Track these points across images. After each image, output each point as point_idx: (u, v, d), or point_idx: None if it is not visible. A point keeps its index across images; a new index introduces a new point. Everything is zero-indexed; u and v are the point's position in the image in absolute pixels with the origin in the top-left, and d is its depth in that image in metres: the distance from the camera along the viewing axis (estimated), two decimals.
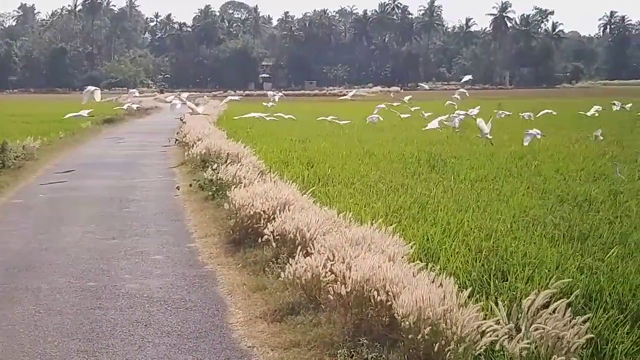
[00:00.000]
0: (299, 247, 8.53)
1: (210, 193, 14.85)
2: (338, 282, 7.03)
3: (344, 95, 63.91)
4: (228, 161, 16.48)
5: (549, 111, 34.10)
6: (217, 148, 19.38)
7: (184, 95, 39.92)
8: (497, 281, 7.97)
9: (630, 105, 32.17)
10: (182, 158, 22.61)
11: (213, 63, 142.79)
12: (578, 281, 7.66)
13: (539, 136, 23.48)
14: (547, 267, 8.36)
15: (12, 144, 21.05)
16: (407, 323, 6.13)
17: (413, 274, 7.03)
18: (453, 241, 9.71)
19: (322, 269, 7.44)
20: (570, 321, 5.79)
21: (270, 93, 39.94)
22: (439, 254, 9.18)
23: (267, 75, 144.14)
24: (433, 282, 6.69)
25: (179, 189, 16.64)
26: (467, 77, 54.12)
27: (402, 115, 32.13)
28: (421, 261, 8.52)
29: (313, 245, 8.37)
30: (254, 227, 10.71)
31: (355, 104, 52.30)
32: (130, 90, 52.74)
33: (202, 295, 8.74)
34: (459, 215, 11.47)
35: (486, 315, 6.35)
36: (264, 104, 38.90)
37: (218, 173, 14.99)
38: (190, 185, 16.47)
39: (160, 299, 8.55)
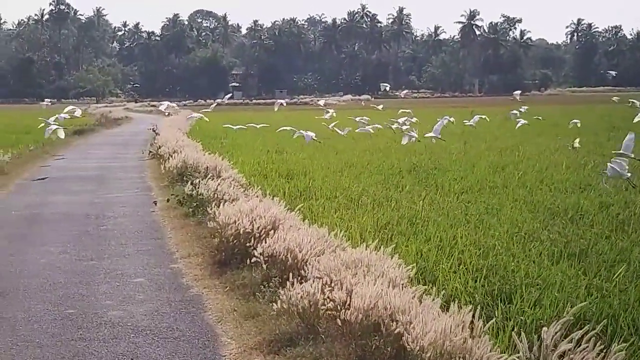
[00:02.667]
0: (292, 270, 8.10)
1: (190, 209, 14.32)
2: (340, 310, 6.59)
3: (313, 103, 64.03)
4: (207, 175, 15.96)
5: (483, 116, 35.65)
6: (193, 161, 18.87)
7: (167, 104, 39.81)
8: (502, 304, 7.60)
9: None
10: (157, 171, 22.02)
11: (182, 72, 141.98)
12: (591, 305, 7.29)
13: (413, 139, 23.91)
14: (553, 288, 8.01)
15: None
16: (425, 358, 5.69)
17: (419, 300, 6.61)
18: (449, 260, 9.35)
19: (320, 295, 6.99)
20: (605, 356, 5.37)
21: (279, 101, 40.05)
22: (436, 273, 8.82)
23: (237, 84, 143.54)
24: (447, 311, 6.27)
25: (156, 204, 16.08)
26: (384, 85, 55.95)
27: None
28: (418, 282, 8.16)
29: (306, 268, 7.94)
30: (240, 246, 10.23)
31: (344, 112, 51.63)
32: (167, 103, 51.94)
33: (190, 323, 8.21)
34: (451, 231, 11.14)
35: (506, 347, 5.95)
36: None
37: (198, 188, 14.47)
38: (168, 200, 15.92)
39: (145, 328, 8.01)
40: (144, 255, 11.60)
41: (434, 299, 6.63)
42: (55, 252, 11.91)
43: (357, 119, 32.79)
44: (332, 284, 7.14)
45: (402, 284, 7.30)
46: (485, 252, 9.79)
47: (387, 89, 77.19)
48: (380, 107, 43.80)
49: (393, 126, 30.37)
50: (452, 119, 32.20)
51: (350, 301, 6.61)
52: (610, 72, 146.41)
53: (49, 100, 38.42)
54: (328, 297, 6.93)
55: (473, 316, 6.13)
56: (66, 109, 34.85)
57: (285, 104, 38.63)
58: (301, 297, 7.07)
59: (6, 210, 16.17)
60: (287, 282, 7.70)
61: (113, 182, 21.17)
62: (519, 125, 33.20)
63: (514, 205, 13.55)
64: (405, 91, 46.79)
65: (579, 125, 32.14)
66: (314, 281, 7.25)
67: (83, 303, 9.00)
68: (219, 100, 48.12)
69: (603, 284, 8.18)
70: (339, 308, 6.68)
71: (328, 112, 38.22)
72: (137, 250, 11.98)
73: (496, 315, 7.21)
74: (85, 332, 7.93)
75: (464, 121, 34.26)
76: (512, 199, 14.25)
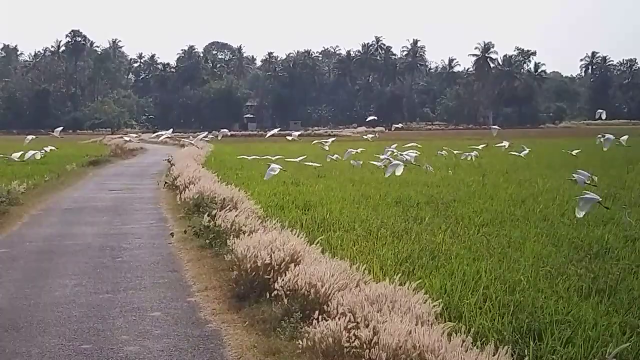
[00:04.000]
0: (314, 305, 7.86)
1: (207, 241, 14.09)
2: (366, 349, 6.33)
3: (327, 134, 64.28)
4: (224, 206, 15.77)
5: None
6: (210, 192, 18.71)
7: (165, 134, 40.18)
8: (532, 342, 7.33)
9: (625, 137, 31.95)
10: (173, 202, 21.85)
11: (197, 103, 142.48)
12: (629, 345, 7.00)
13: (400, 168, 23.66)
14: (585, 326, 7.73)
15: None
16: None
17: (448, 338, 6.35)
18: (474, 295, 9.09)
19: (345, 333, 6.73)
20: None
21: (295, 133, 40.29)
22: (461, 309, 8.57)
23: (252, 116, 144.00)
24: (475, 349, 6.01)
25: (173, 236, 15.86)
26: (371, 118, 55.89)
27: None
28: (442, 317, 7.90)
29: (330, 303, 7.69)
30: (259, 279, 10.00)
31: (341, 144, 51.44)
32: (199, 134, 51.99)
33: None
34: (474, 265, 10.89)
35: None
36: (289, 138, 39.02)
37: (216, 219, 14.26)
38: (185, 231, 15.70)
39: None
40: (160, 288, 11.37)
41: (464, 338, 6.36)
42: (71, 284, 11.70)
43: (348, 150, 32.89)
44: (357, 321, 6.89)
45: (429, 321, 7.04)
46: (511, 287, 9.53)
47: (400, 126, 77.53)
48: (369, 136, 43.99)
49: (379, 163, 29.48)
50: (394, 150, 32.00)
51: (376, 339, 6.36)
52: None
53: (32, 136, 40.45)
54: (353, 335, 6.66)
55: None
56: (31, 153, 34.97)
57: (298, 138, 38.56)
58: (325, 334, 6.82)
59: (21, 242, 15.99)
60: (310, 317, 7.47)
61: (129, 213, 20.98)
62: (524, 153, 33.02)
63: (537, 239, 13.31)
64: (398, 125, 47.28)
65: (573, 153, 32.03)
66: (338, 318, 6.99)
67: (98, 338, 8.76)
68: (224, 131, 48.47)
69: (638, 321, 7.89)
70: (364, 347, 6.42)
71: (327, 141, 38.42)
72: (153, 283, 11.75)
73: (528, 354, 6.95)
74: None
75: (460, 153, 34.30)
76: (534, 233, 14.02)
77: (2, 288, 11.50)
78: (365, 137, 45.23)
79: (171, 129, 54.79)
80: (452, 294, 9.12)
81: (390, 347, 6.19)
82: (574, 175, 16.62)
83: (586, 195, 14.37)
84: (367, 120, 59.60)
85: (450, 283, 9.70)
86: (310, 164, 27.44)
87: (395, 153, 29.19)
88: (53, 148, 36.52)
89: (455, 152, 35.61)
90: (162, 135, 51.08)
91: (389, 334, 6.30)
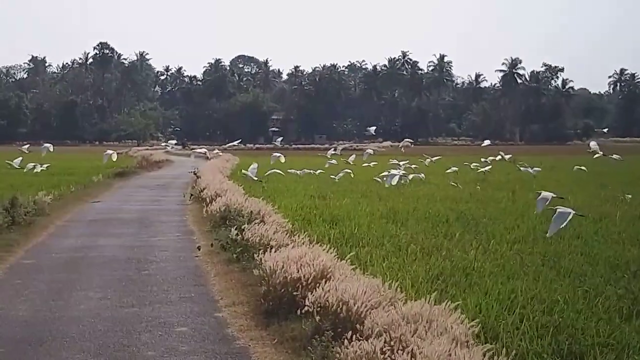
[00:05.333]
0: (345, 323, 7.60)
1: (234, 255, 13.86)
2: None
3: (353, 148, 64.37)
4: (251, 219, 15.54)
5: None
6: (237, 205, 18.52)
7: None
8: None
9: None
10: (199, 215, 21.70)
11: (223, 116, 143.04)
12: None
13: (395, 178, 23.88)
14: (629, 350, 7.42)
15: (22, 198, 20.15)
16: None
17: None
18: (510, 315, 8.79)
19: (380, 356, 6.44)
20: None
21: (331, 151, 40.68)
22: (497, 329, 8.26)
23: (277, 129, 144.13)
24: None
25: (199, 249, 15.65)
26: (372, 128, 56.93)
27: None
28: (478, 338, 7.61)
29: (363, 322, 7.42)
30: (288, 296, 9.74)
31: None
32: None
33: None
34: (509, 284, 10.57)
35: None
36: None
37: (243, 233, 14.03)
38: (212, 245, 15.49)
39: None
40: (187, 303, 11.14)
41: None
42: (95, 297, 11.50)
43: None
44: (392, 342, 6.61)
45: (468, 342, 6.75)
46: (548, 307, 9.22)
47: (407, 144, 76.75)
48: (370, 150, 44.35)
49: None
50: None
51: None
52: None
53: (27, 145, 41.29)
54: (389, 357, 6.37)
55: None
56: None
57: (339, 152, 38.79)
58: (359, 355, 6.53)
59: (46, 253, 15.86)
60: (342, 336, 7.20)
61: (154, 225, 20.84)
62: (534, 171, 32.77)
63: (572, 258, 12.97)
64: (405, 142, 47.64)
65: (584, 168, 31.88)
66: (373, 338, 6.71)
67: (124, 354, 8.53)
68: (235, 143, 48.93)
69: None
70: None
71: (335, 150, 38.73)
72: (179, 297, 11.53)
73: None
74: None
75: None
76: (569, 251, 13.67)
77: (27, 300, 11.31)
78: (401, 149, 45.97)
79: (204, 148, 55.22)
80: (488, 314, 8.83)
81: None
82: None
83: (560, 210, 14.21)
84: (366, 131, 60.79)
85: (485, 302, 9.41)
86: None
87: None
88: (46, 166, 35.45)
89: (472, 165, 35.34)
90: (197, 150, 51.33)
91: (425, 356, 6.00)
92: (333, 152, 37.06)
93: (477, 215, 19.05)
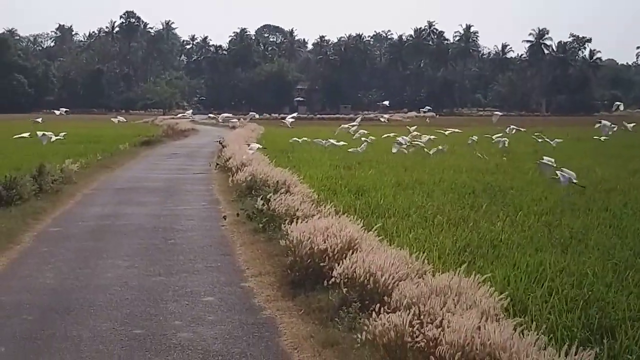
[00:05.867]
0: (373, 295, 7.54)
1: (260, 225, 13.84)
2: (431, 346, 5.97)
3: (377, 118, 64.37)
4: (277, 189, 15.50)
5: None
6: (263, 175, 18.48)
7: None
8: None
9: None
10: (225, 184, 21.69)
11: (248, 86, 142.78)
12: None
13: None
14: None
15: (49, 166, 20.25)
16: None
17: (520, 335, 5.97)
18: (539, 288, 8.70)
19: (409, 328, 6.38)
20: None
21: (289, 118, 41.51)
22: (526, 303, 8.18)
23: (302, 99, 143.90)
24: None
25: (225, 219, 15.65)
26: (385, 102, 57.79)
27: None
28: (507, 311, 7.53)
29: (391, 294, 7.35)
30: (315, 266, 9.70)
31: (390, 128, 51.04)
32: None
33: (265, 349, 7.66)
34: (537, 256, 10.46)
35: None
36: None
37: (269, 203, 14.00)
38: (238, 214, 15.49)
39: (217, 353, 7.50)
40: (213, 272, 11.15)
41: (537, 336, 5.97)
42: (123, 265, 11.54)
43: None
44: (421, 315, 6.54)
45: (497, 316, 6.68)
46: (577, 280, 9.11)
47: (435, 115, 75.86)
48: (383, 119, 44.54)
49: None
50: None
51: (442, 335, 6.00)
52: None
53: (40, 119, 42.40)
54: (417, 330, 6.31)
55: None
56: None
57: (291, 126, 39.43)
58: (387, 328, 6.47)
59: (73, 221, 15.93)
60: (369, 308, 7.15)
61: (180, 194, 20.87)
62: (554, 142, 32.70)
63: (600, 230, 12.82)
64: (427, 112, 48.53)
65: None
66: (401, 311, 6.65)
67: (151, 323, 8.54)
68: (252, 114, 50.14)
69: None
70: (430, 343, 6.07)
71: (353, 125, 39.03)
72: (206, 267, 11.53)
73: (601, 353, 6.56)
74: (154, 355, 7.46)
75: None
76: (597, 223, 13.51)
77: (54, 268, 11.37)
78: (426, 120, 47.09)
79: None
80: (516, 287, 8.74)
81: (458, 344, 5.83)
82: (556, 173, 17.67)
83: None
84: (380, 104, 61.72)
85: (514, 274, 9.33)
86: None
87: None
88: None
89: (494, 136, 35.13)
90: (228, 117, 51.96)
91: (454, 330, 5.93)
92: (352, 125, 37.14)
93: (503, 187, 18.88)
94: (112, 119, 48.63)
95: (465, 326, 5.95)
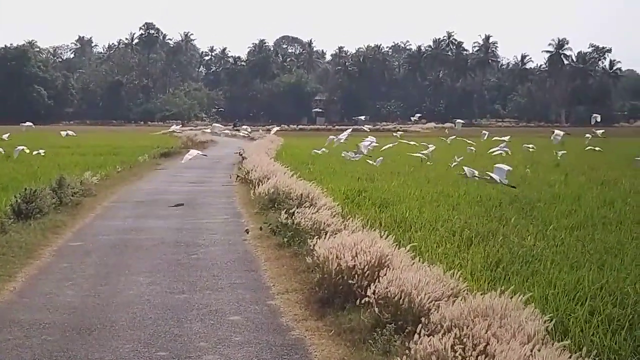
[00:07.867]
0: (407, 316, 7.19)
1: (285, 239, 13.48)
2: None
3: (395, 129, 64.26)
4: (301, 202, 15.15)
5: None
6: (285, 187, 18.15)
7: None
8: None
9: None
10: (246, 196, 21.37)
11: (267, 97, 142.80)
12: None
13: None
14: None
15: (69, 178, 20.02)
16: None
17: None
18: (577, 306, 8.31)
19: (451, 352, 6.01)
20: None
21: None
22: (566, 323, 7.79)
23: (320, 110, 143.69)
24: None
25: (248, 233, 15.32)
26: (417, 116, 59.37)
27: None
28: (549, 334, 7.14)
29: (429, 315, 6.99)
30: (344, 284, 9.32)
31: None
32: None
33: None
34: (573, 273, 10.05)
35: None
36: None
37: (293, 216, 13.65)
38: (261, 228, 15.15)
39: None
40: (238, 289, 10.80)
41: None
42: (145, 282, 11.22)
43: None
44: (463, 338, 6.17)
45: (543, 340, 6.29)
46: (619, 299, 8.70)
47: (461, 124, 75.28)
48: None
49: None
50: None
51: None
52: None
53: (30, 123, 42.10)
54: (460, 356, 5.93)
55: None
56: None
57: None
58: (429, 353, 6.10)
59: (94, 235, 15.64)
60: (403, 329, 6.80)
61: (202, 207, 20.56)
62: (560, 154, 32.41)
63: (636, 245, 12.37)
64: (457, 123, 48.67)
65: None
66: (442, 334, 6.28)
67: (175, 344, 8.19)
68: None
69: None
70: None
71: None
72: (230, 284, 11.19)
73: None
74: None
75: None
76: (631, 237, 13.06)
77: (75, 285, 11.06)
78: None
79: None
80: (556, 306, 8.35)
81: None
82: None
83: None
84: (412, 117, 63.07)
85: (552, 293, 8.93)
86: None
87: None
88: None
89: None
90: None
91: (505, 358, 5.53)
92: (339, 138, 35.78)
93: (531, 199, 18.46)
94: (61, 132, 47.62)
95: (517, 354, 5.55)
